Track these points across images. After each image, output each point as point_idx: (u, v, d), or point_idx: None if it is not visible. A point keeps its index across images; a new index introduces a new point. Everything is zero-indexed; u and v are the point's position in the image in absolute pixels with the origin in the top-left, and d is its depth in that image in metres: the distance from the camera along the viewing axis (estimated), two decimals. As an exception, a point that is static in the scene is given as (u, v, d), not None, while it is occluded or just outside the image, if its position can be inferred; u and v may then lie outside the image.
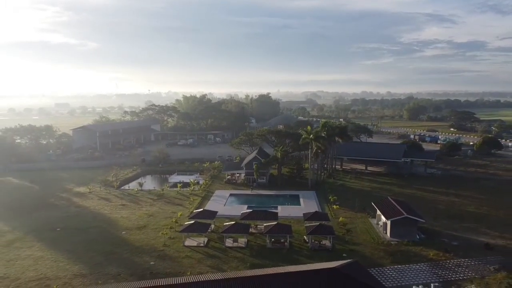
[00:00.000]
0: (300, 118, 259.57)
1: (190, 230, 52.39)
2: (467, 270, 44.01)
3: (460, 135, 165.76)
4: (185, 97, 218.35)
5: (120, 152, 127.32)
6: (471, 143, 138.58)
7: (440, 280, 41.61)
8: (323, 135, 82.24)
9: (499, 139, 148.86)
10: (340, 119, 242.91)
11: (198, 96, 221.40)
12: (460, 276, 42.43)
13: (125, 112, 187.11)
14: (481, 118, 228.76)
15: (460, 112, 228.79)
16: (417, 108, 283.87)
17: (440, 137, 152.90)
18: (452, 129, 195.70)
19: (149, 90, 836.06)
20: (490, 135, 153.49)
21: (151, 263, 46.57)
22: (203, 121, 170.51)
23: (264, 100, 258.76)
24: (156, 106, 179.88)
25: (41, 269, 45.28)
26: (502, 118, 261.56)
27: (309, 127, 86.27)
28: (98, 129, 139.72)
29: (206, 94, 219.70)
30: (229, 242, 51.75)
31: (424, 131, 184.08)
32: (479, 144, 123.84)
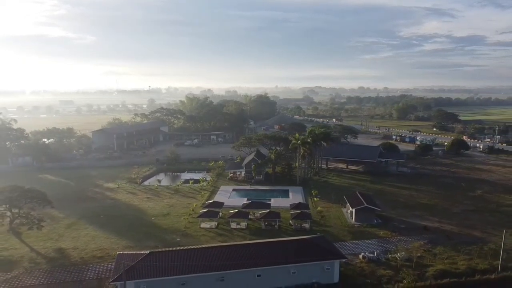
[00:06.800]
0: (296, 117, 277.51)
1: (205, 216, 69.85)
2: (403, 243, 61.77)
3: (437, 136, 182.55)
4: (188, 99, 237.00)
5: (135, 152, 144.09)
6: (446, 143, 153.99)
7: (382, 250, 59.38)
8: (309, 140, 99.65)
9: (472, 139, 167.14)
10: (333, 119, 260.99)
11: (199, 94, 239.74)
12: (396, 247, 60.21)
13: (135, 114, 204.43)
14: (464, 119, 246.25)
15: (444, 113, 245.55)
16: (406, 108, 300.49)
17: (418, 138, 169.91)
18: (434, 129, 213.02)
19: (149, 86, 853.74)
20: (464, 136, 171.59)
21: (178, 239, 63.95)
22: (207, 122, 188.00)
23: (262, 100, 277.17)
24: (164, 109, 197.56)
25: (99, 243, 62.74)
26: (485, 118, 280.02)
27: (297, 135, 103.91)
28: (115, 132, 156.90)
29: (208, 97, 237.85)
30: (233, 225, 68.97)
31: (407, 131, 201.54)
32: (449, 145, 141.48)
